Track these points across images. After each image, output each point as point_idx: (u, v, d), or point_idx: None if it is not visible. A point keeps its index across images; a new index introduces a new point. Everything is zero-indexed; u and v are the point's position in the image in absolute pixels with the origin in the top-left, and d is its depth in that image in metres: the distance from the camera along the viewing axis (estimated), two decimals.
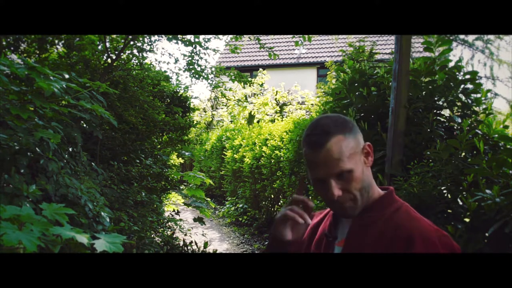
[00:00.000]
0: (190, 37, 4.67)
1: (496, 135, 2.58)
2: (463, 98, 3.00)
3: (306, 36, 4.85)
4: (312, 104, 10.85)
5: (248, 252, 6.35)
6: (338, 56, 13.47)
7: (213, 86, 5.51)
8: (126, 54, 4.64)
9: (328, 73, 9.04)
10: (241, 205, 8.33)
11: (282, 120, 8.23)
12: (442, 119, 3.05)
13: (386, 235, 1.08)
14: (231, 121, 12.87)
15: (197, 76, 5.09)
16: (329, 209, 1.27)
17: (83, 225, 2.18)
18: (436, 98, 3.07)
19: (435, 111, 3.04)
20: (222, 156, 9.91)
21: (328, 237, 1.20)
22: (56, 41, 4.23)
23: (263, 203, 7.78)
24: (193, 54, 4.90)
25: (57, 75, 1.91)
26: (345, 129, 1.12)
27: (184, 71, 5.16)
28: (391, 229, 1.09)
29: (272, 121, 10.25)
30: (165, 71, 5.95)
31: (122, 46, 4.34)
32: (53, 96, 1.84)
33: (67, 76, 2.05)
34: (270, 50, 5.15)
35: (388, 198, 1.17)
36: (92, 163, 3.08)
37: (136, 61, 4.93)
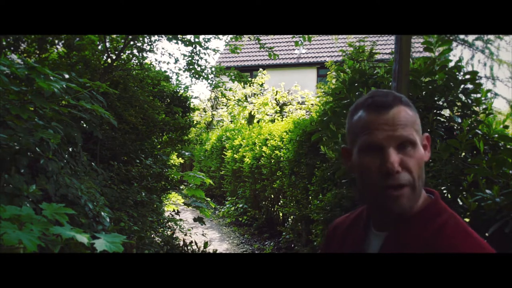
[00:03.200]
0: (190, 37, 4.67)
1: (496, 135, 2.58)
2: (463, 98, 3.00)
3: (306, 36, 4.85)
4: (312, 104, 10.85)
5: (248, 252, 6.35)
6: (338, 56, 13.46)
7: (213, 86, 5.52)
8: (126, 54, 4.65)
9: (328, 73, 9.03)
10: (241, 205, 8.33)
11: (282, 120, 8.23)
12: (442, 119, 3.05)
13: None
14: (231, 121, 12.88)
15: (197, 76, 5.10)
16: (366, 207, 1.03)
17: (83, 225, 2.18)
18: (436, 98, 3.07)
19: (435, 111, 3.04)
20: (222, 156, 9.91)
21: (357, 252, 1.00)
22: (56, 41, 4.23)
23: (263, 203, 7.78)
24: (193, 54, 4.91)
25: (57, 75, 1.91)
26: (412, 106, 0.93)
27: (184, 71, 5.17)
28: (433, 251, 0.87)
29: (272, 121, 10.26)
30: (165, 71, 5.96)
31: (122, 46, 4.34)
32: (53, 96, 1.84)
33: (67, 76, 2.05)
34: (270, 50, 5.16)
35: (434, 208, 0.93)
36: (92, 163, 3.08)
37: (136, 61, 4.93)
